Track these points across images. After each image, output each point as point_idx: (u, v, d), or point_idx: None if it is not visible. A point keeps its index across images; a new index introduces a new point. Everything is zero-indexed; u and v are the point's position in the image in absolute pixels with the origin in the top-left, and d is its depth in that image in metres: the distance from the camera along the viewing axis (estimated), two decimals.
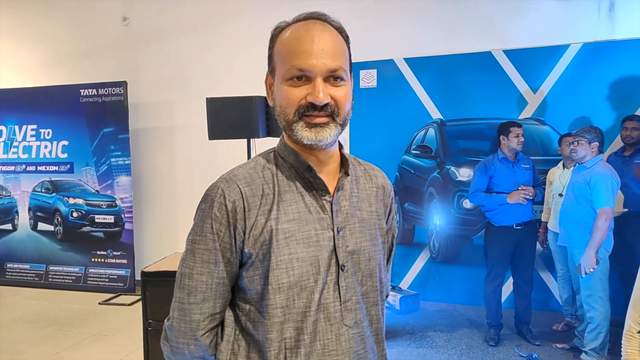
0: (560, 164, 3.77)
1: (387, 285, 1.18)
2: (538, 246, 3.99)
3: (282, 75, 0.95)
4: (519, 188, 3.46)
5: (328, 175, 1.02)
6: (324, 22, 0.97)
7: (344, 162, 1.05)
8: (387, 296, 1.19)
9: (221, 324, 1.02)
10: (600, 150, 3.12)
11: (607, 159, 3.72)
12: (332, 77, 0.94)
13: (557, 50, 4.08)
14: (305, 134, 0.94)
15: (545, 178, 3.86)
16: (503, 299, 3.87)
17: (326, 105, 0.93)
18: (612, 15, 3.97)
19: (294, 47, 0.93)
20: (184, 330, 0.98)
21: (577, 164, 3.20)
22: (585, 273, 3.01)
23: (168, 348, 1.02)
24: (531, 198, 3.48)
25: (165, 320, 1.02)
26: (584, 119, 4.04)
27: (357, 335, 1.00)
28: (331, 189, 1.01)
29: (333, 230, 0.99)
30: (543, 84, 4.15)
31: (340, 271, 0.98)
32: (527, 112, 4.21)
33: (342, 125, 0.97)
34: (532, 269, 3.66)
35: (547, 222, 3.81)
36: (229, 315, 1.01)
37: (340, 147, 1.06)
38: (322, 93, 0.92)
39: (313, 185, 1.00)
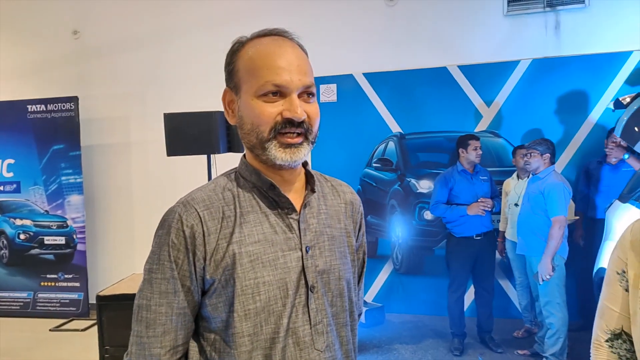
0: (514, 175, 3.90)
1: (359, 304, 1.15)
2: (497, 255, 4.10)
3: (254, 91, 0.91)
4: (479, 200, 3.55)
5: (294, 194, 0.99)
6: (290, 40, 0.96)
7: (309, 179, 1.02)
8: (359, 315, 1.16)
9: (185, 356, 0.96)
10: (552, 161, 3.25)
11: (588, 165, 3.87)
12: (305, 94, 0.93)
13: (509, 66, 4.26)
14: (279, 155, 0.91)
15: (501, 189, 3.99)
16: (465, 308, 3.94)
17: (302, 122, 0.91)
18: (558, 33, 4.18)
19: (267, 63, 0.90)
20: None
21: (532, 175, 3.32)
22: (543, 280, 3.10)
23: None
24: (490, 209, 3.57)
25: (125, 356, 0.96)
26: (535, 130, 4.22)
27: (330, 359, 0.96)
28: (297, 206, 0.97)
29: (301, 249, 0.95)
30: (496, 98, 4.31)
31: (309, 292, 0.94)
32: (482, 125, 4.35)
33: (313, 143, 0.96)
34: (493, 278, 3.74)
35: (504, 232, 3.93)
36: (193, 346, 0.96)
37: (305, 163, 1.02)
38: (300, 108, 0.90)
39: (278, 204, 0.96)
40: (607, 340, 1.11)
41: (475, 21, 4.33)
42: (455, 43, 4.37)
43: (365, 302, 4.45)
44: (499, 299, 4.27)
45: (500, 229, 4.02)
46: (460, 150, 3.63)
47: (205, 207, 0.92)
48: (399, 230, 4.55)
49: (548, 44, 4.20)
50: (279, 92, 0.91)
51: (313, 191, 1.01)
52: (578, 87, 4.12)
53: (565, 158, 4.16)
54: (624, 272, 1.07)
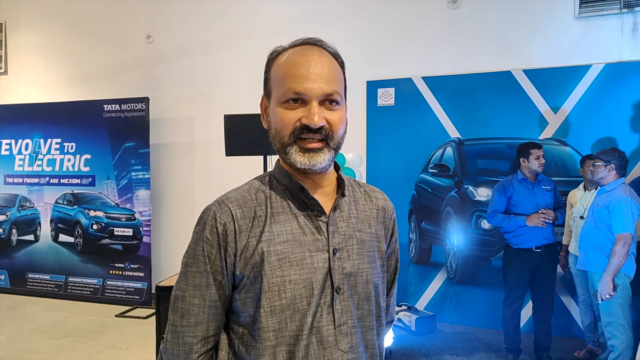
0: (581, 186, 3.68)
1: (390, 311, 1.15)
2: (559, 269, 3.89)
3: (278, 98, 0.96)
4: (540, 211, 3.38)
5: (324, 197, 1.02)
6: (320, 48, 0.99)
7: (340, 183, 1.04)
8: (391, 322, 1.16)
9: (215, 347, 1.01)
10: (622, 174, 3.03)
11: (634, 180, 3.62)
12: (328, 101, 0.95)
13: (579, 71, 4.03)
14: (298, 159, 0.95)
15: (567, 199, 3.78)
16: (522, 323, 3.76)
17: (321, 128, 0.94)
18: (635, 35, 3.90)
19: (291, 71, 0.94)
20: (178, 354, 0.97)
21: (599, 187, 3.13)
22: (602, 299, 2.91)
23: None
24: (551, 221, 3.39)
25: (161, 343, 1.02)
26: (608, 139, 3.97)
27: None
28: (327, 210, 1.00)
29: (329, 251, 0.97)
30: (564, 104, 4.09)
31: (335, 294, 0.96)
32: (547, 132, 4.15)
33: (336, 150, 0.98)
34: (553, 294, 3.54)
35: (568, 245, 3.72)
36: (223, 338, 1.00)
37: (337, 168, 1.06)
38: (317, 116, 0.92)
39: (308, 206, 0.99)
40: None
41: (544, 23, 4.14)
42: (520, 46, 4.20)
43: (416, 310, 4.38)
44: (560, 316, 4.05)
45: (564, 242, 3.80)
46: (522, 159, 3.47)
47: (238, 206, 0.97)
48: (454, 238, 4.44)
49: (624, 47, 3.93)
50: (300, 100, 0.94)
51: (343, 195, 1.03)
52: None
53: (639, 170, 3.87)
54: None
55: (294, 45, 0.99)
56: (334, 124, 0.95)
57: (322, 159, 0.95)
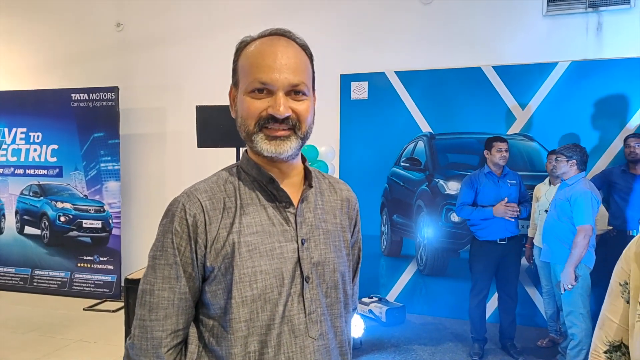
0: (546, 180, 3.80)
1: (354, 298, 1.17)
2: (524, 261, 4.01)
3: (245, 87, 0.96)
4: (501, 204, 3.47)
5: (291, 188, 1.03)
6: (288, 39, 0.99)
7: (307, 175, 1.06)
8: (354, 309, 1.19)
9: (184, 341, 1.00)
10: (582, 169, 3.15)
11: (612, 171, 3.74)
12: (294, 92, 0.96)
13: (546, 68, 4.14)
14: (265, 146, 0.95)
15: (532, 194, 3.89)
16: (488, 313, 3.88)
17: (287, 118, 0.95)
18: (599, 34, 4.03)
19: (257, 61, 0.95)
20: (146, 348, 0.96)
21: (561, 181, 3.23)
22: (564, 289, 3.02)
23: None
24: (515, 216, 3.48)
25: (127, 339, 1.00)
26: (571, 135, 4.09)
27: (323, 347, 1.00)
28: (295, 201, 1.02)
29: (297, 242, 0.99)
30: (531, 101, 4.20)
31: (304, 283, 0.98)
32: (515, 128, 4.26)
33: (304, 139, 0.99)
34: (516, 284, 3.65)
35: (533, 238, 3.84)
36: (192, 332, 1.00)
37: (304, 160, 1.07)
38: (283, 106, 0.93)
39: (276, 197, 1.00)
40: (605, 352, 1.09)
41: (513, 21, 4.23)
42: (490, 43, 4.29)
43: (386, 302, 4.45)
44: (524, 307, 4.18)
45: (529, 234, 3.92)
46: (486, 152, 3.57)
47: (208, 197, 0.97)
48: (424, 231, 4.52)
49: (588, 45, 4.05)
50: (266, 90, 0.94)
51: (310, 186, 1.05)
52: (618, 91, 3.97)
53: (601, 165, 4.02)
54: (627, 283, 1.05)
55: (262, 35, 1.00)
56: (300, 114, 0.96)
57: (289, 146, 0.96)
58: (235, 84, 1.02)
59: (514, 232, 3.54)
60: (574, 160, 3.09)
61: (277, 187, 0.99)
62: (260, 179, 1.00)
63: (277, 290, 0.95)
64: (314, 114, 1.02)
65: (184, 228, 0.94)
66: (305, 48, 1.02)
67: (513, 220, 3.49)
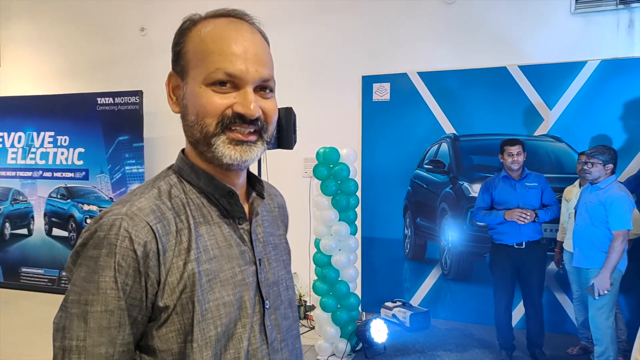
0: (576, 182, 3.68)
1: None
2: (553, 266, 3.90)
3: (203, 78, 0.79)
4: (515, 209, 3.38)
5: (241, 199, 0.88)
6: (250, 24, 0.84)
7: (253, 181, 0.91)
8: None
9: None
10: (614, 171, 3.04)
11: (627, 179, 3.62)
12: (261, 88, 0.81)
13: (574, 67, 4.02)
14: (227, 152, 0.79)
15: (561, 196, 3.77)
16: (516, 319, 3.77)
17: (256, 119, 0.80)
18: (631, 32, 3.89)
19: (220, 47, 0.78)
20: None
21: (589, 184, 3.12)
22: (599, 294, 2.92)
23: None
24: (528, 220, 3.35)
25: None
26: (602, 136, 3.96)
27: None
28: (245, 214, 0.88)
29: (255, 263, 0.86)
30: (559, 101, 4.08)
31: (264, 309, 0.86)
32: (543, 129, 4.14)
33: (268, 143, 0.84)
34: (540, 292, 3.49)
35: (562, 242, 3.71)
36: None
37: None
38: (254, 104, 0.78)
39: (229, 213, 0.85)
40: None
41: (539, 19, 4.12)
42: (516, 42, 4.18)
43: (410, 306, 4.38)
44: (554, 313, 4.06)
45: (558, 238, 3.81)
46: (499, 156, 3.50)
47: (157, 219, 0.77)
48: (449, 235, 4.44)
49: (619, 43, 3.92)
50: (232, 83, 0.79)
51: (262, 197, 0.91)
52: None
53: (634, 167, 3.87)
54: None
55: (214, 15, 0.83)
56: (268, 115, 0.82)
57: (256, 153, 0.81)
58: (179, 72, 0.83)
59: (532, 237, 3.43)
60: (610, 165, 2.99)
61: (236, 201, 0.84)
62: (210, 191, 0.83)
63: (240, 324, 0.81)
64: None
65: (130, 262, 0.73)
66: (265, 36, 0.86)
67: (532, 224, 3.38)
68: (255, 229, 0.89)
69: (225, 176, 0.85)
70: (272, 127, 0.84)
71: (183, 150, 0.88)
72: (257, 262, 0.87)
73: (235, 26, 0.81)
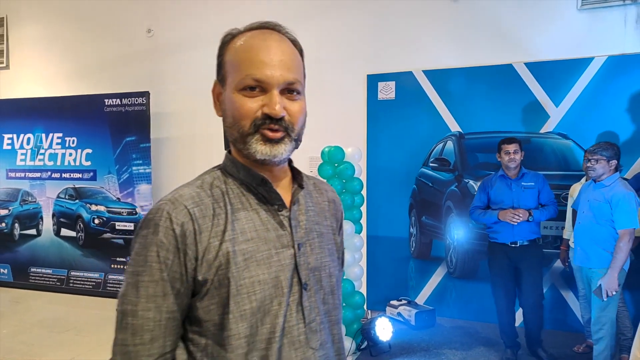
0: (583, 180, 3.65)
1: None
2: (559, 264, 3.87)
3: (235, 84, 0.90)
4: (508, 209, 3.36)
5: (282, 190, 0.97)
6: (279, 33, 0.93)
7: (296, 175, 1.00)
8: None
9: None
10: (617, 168, 3.01)
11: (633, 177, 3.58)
12: (287, 90, 0.90)
13: (581, 64, 3.99)
14: (259, 148, 0.89)
15: (567, 193, 3.75)
16: (520, 318, 3.75)
17: (282, 118, 0.89)
18: (638, 27, 3.85)
19: (250, 56, 0.89)
20: None
21: (592, 181, 3.09)
22: (607, 296, 2.88)
23: None
24: (520, 221, 3.32)
25: None
26: (609, 133, 3.93)
27: (323, 357, 0.95)
28: (286, 203, 0.96)
29: (294, 247, 0.93)
30: (566, 98, 4.05)
31: (302, 290, 0.92)
32: (549, 126, 4.12)
33: (297, 141, 0.93)
34: (535, 292, 3.42)
35: (568, 240, 3.69)
36: (180, 352, 0.90)
37: (290, 161, 1.01)
38: (279, 105, 0.87)
39: (268, 200, 0.94)
40: None
41: (546, 16, 4.09)
42: (522, 39, 4.16)
43: (416, 304, 4.37)
44: (560, 311, 4.04)
45: (565, 236, 3.78)
46: (497, 155, 3.49)
47: (195, 204, 0.89)
48: (454, 233, 4.42)
49: (627, 39, 3.88)
50: (260, 87, 0.88)
51: (301, 187, 0.99)
52: None
53: None
54: None
55: (250, 28, 0.94)
56: (293, 115, 0.91)
57: (284, 149, 0.90)
58: (221, 80, 0.95)
59: (527, 237, 3.40)
60: (615, 161, 2.96)
61: (270, 188, 0.93)
62: (249, 181, 0.93)
63: (276, 301, 0.89)
64: (306, 114, 0.95)
65: (171, 240, 0.85)
66: (296, 43, 0.96)
67: (527, 223, 3.35)
68: (296, 216, 0.96)
69: (263, 169, 0.94)
70: (298, 127, 0.92)
71: (229, 151, 0.99)
72: (296, 246, 0.94)
73: (264, 36, 0.91)
